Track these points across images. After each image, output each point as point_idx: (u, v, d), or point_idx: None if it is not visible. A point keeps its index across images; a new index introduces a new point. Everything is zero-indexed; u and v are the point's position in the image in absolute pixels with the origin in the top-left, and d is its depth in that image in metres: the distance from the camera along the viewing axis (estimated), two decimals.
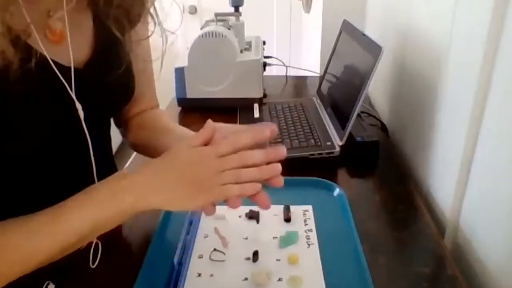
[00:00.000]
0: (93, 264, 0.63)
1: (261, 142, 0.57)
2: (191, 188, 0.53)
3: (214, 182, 0.53)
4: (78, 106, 0.59)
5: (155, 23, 0.67)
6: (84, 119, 0.60)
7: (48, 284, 0.59)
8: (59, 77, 0.57)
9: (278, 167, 0.55)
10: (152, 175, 0.55)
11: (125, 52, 0.68)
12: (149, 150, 0.73)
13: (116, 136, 0.77)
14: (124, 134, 0.81)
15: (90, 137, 0.60)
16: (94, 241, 0.64)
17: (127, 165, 0.86)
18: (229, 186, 0.53)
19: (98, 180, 0.64)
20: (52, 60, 0.56)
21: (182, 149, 0.56)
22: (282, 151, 0.56)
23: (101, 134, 0.74)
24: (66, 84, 0.57)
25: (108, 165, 0.75)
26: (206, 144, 0.57)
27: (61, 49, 0.58)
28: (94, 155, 0.62)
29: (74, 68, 0.59)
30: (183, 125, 1.20)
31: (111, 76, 0.64)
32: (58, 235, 0.52)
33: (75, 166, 0.65)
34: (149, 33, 0.69)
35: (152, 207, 0.54)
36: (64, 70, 0.57)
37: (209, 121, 0.58)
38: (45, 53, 0.55)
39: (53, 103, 0.58)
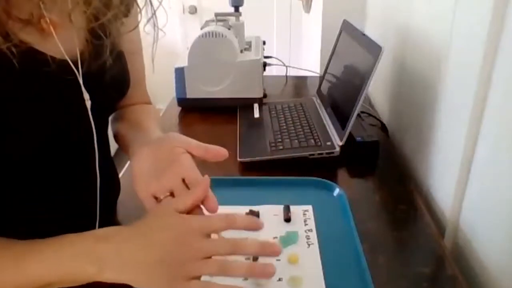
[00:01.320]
0: None
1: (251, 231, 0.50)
2: (167, 272, 0.46)
3: (195, 269, 0.46)
4: (86, 95, 0.58)
5: (141, 14, 0.66)
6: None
7: None
8: (63, 71, 0.55)
9: (272, 269, 0.47)
10: (125, 249, 0.47)
11: (117, 44, 0.67)
12: (123, 143, 0.71)
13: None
14: (112, 121, 0.79)
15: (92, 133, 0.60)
16: None
17: (125, 167, 0.86)
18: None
19: (100, 179, 0.64)
20: (41, 52, 0.54)
21: (166, 218, 0.49)
22: (278, 248, 0.49)
23: (101, 133, 0.73)
24: (77, 73, 0.56)
25: (108, 166, 0.74)
26: (196, 203, 0.51)
27: (55, 41, 0.57)
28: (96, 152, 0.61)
29: (70, 60, 0.58)
30: (183, 125, 1.22)
31: (105, 68, 0.64)
32: (18, 275, 0.48)
33: (77, 165, 0.64)
34: (139, 27, 0.67)
35: (118, 281, 0.47)
36: (63, 62, 0.56)
37: (206, 179, 0.52)
38: (59, 45, 0.54)
39: (58, 96, 0.56)
